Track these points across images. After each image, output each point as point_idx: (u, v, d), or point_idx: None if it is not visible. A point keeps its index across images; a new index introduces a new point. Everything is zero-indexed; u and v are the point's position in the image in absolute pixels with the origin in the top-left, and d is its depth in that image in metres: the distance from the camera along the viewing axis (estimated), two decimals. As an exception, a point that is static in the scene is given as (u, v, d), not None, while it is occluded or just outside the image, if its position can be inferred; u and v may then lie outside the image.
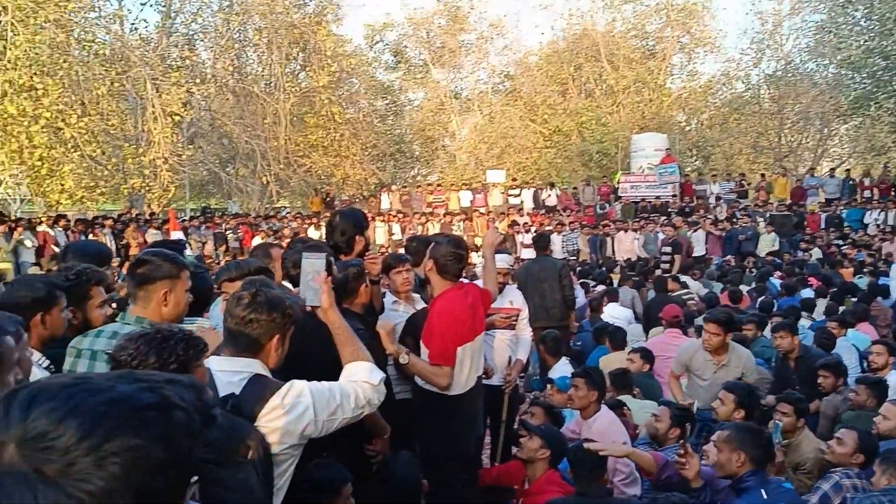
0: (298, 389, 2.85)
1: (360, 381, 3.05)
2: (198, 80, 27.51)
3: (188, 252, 5.85)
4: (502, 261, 6.54)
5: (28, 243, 19.28)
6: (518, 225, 25.12)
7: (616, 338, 8.90)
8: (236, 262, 4.57)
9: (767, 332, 9.02)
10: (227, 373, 2.80)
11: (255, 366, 2.89)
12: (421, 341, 4.84)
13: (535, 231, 24.10)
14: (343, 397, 2.95)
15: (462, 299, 4.90)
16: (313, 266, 3.23)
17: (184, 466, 1.00)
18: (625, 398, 6.86)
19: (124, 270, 4.91)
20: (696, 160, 37.66)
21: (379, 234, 26.04)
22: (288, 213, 30.17)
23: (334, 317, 3.19)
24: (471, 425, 5.10)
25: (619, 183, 28.56)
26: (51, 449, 0.91)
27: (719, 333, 6.62)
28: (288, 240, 22.78)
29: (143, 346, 2.37)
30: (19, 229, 19.22)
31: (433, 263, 4.89)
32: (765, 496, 4.10)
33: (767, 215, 23.65)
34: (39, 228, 20.09)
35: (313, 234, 22.73)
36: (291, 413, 2.78)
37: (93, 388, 0.96)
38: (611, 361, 8.28)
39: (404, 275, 5.61)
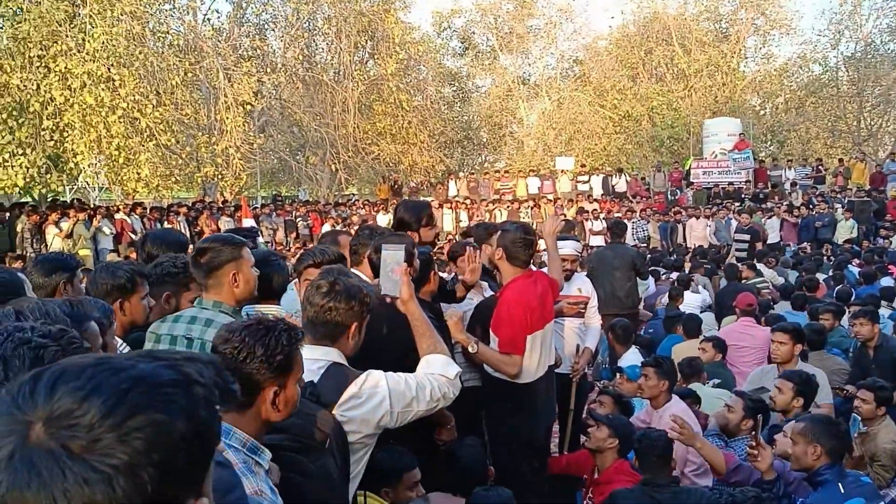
0: (375, 379, 2.90)
1: (437, 375, 3.09)
2: (268, 70, 27.89)
3: (260, 239, 5.97)
4: (570, 248, 6.51)
5: (106, 230, 19.85)
6: (587, 212, 24.97)
7: (690, 326, 8.82)
8: (320, 249, 4.64)
9: (845, 321, 8.80)
10: (307, 360, 2.83)
11: (332, 354, 2.94)
12: (490, 329, 4.85)
13: (604, 218, 23.95)
14: (419, 389, 2.99)
15: (531, 287, 4.90)
16: (393, 257, 3.27)
17: (206, 440, 1.02)
18: (695, 386, 6.79)
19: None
20: (770, 145, 36.83)
21: (446, 221, 26.10)
22: (356, 200, 30.47)
23: (414, 308, 3.23)
24: (541, 414, 5.11)
25: (690, 169, 28.14)
26: (76, 426, 0.94)
27: (787, 342, 6.48)
28: (356, 227, 23.08)
29: (248, 338, 2.30)
30: (98, 217, 19.80)
31: (502, 251, 4.89)
32: (842, 490, 4.01)
33: (845, 201, 23.05)
34: (117, 216, 20.67)
35: (382, 220, 22.89)
36: (368, 403, 2.83)
37: (115, 367, 0.99)
38: (683, 350, 8.19)
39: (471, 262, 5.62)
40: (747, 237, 17.22)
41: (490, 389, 5.00)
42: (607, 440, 5.07)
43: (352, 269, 4.15)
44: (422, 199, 22.62)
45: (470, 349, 4.70)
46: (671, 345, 8.70)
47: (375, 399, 2.86)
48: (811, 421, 4.30)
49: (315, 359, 2.88)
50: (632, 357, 7.79)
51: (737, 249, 16.78)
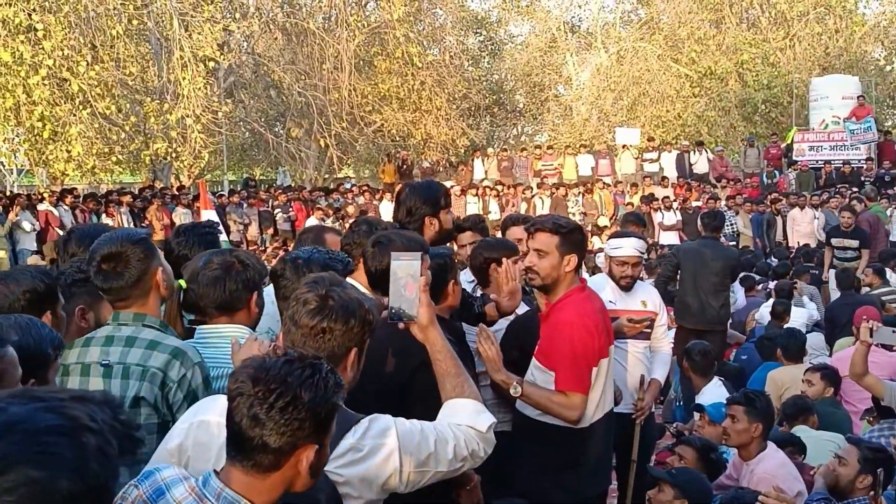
0: (382, 427, 2.88)
1: (464, 426, 3.07)
2: (237, 16, 27.99)
3: (223, 238, 5.86)
4: (630, 247, 6.48)
5: (27, 226, 19.98)
6: (656, 200, 24.93)
7: (790, 346, 8.80)
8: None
9: None
10: None
11: None
12: (537, 361, 4.84)
13: (680, 208, 23.86)
14: (439, 444, 2.96)
15: (589, 304, 4.91)
16: (407, 269, 3.24)
17: (99, 500, 1.00)
18: (800, 430, 6.75)
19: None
20: (900, 111, 36.58)
21: (471, 212, 26.10)
22: (353, 185, 30.55)
23: (436, 337, 3.21)
24: (597, 468, 5.10)
25: (793, 143, 27.97)
26: None
27: None
28: (353, 220, 22.92)
29: (289, 377, 2.31)
30: (16, 208, 19.89)
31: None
32: None
33: None
34: (41, 207, 20.77)
35: (386, 211, 22.92)
36: (371, 458, 2.82)
37: None
38: (782, 379, 8.18)
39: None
40: (854, 244, 15.21)
41: (526, 435, 4.97)
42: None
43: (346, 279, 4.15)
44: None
45: (513, 392, 4.70)
46: (765, 374, 8.65)
47: (381, 453, 2.83)
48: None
49: None
50: (714, 391, 7.79)
51: (837, 259, 15.34)
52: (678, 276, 10.78)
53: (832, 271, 14.37)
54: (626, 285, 6.43)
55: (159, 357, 3.40)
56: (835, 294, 12.59)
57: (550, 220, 4.90)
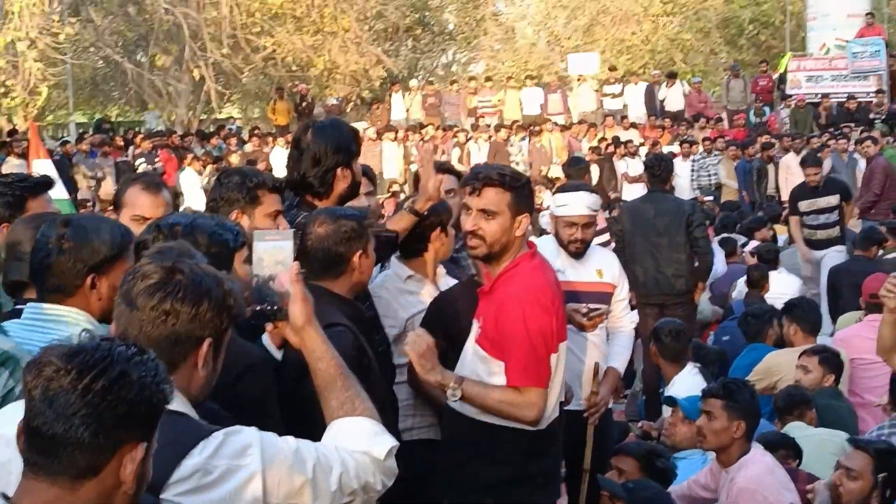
0: (241, 443, 2.77)
1: (358, 452, 3.02)
2: None
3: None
4: (580, 204, 6.48)
5: None
6: (621, 145, 25.06)
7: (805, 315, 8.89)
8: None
9: None
10: None
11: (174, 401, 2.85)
12: (479, 346, 4.83)
13: (650, 153, 23.97)
14: (319, 470, 2.87)
15: (543, 273, 4.93)
16: (274, 254, 3.16)
17: None
18: (794, 428, 6.85)
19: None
20: (918, 31, 37.08)
21: (389, 161, 26.05)
22: (238, 128, 30.29)
23: (314, 340, 3.14)
24: (549, 479, 5.12)
25: (787, 72, 28.27)
26: None
27: None
28: (223, 170, 22.60)
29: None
30: None
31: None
32: None
33: None
34: None
35: (280, 159, 22.74)
36: (224, 483, 2.71)
37: None
38: (776, 365, 8.28)
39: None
40: (831, 202, 13.95)
41: (461, 443, 4.98)
42: None
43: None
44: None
45: (450, 396, 4.68)
46: (753, 360, 8.76)
47: (238, 477, 2.72)
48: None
49: None
50: (688, 381, 7.80)
51: (809, 229, 14.09)
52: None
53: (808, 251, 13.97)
54: (577, 251, 6.42)
55: None
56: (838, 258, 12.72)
57: (497, 172, 4.83)
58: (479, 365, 4.81)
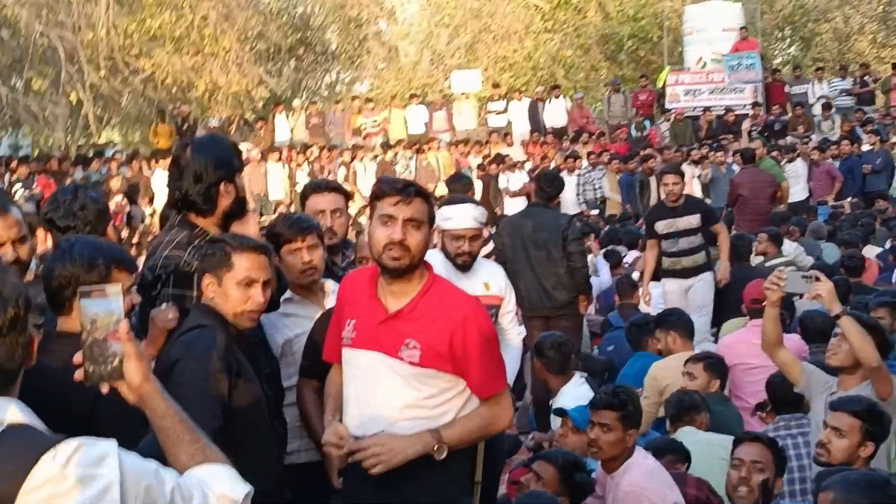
0: (97, 453, 2.69)
1: (217, 492, 2.96)
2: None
3: None
4: (466, 216, 6.51)
5: None
6: (503, 161, 25.19)
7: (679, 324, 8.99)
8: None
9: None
10: None
11: (3, 409, 2.83)
12: (423, 367, 4.67)
13: (539, 169, 24.08)
14: (178, 497, 2.79)
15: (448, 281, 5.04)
16: (105, 312, 3.02)
17: None
18: (685, 433, 6.96)
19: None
20: (789, 45, 37.78)
21: (274, 182, 25.89)
22: (118, 152, 29.89)
23: (155, 399, 2.98)
24: (465, 485, 5.12)
25: (666, 86, 28.65)
26: None
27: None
28: (118, 195, 22.58)
29: None
30: None
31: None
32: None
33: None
34: None
35: (160, 182, 22.49)
36: (79, 491, 2.67)
37: None
38: (664, 372, 8.38)
39: (307, 253, 5.58)
40: (691, 222, 12.50)
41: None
42: None
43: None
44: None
45: (438, 457, 4.57)
46: (640, 368, 8.88)
47: (94, 486, 2.64)
48: (845, 485, 4.41)
49: None
50: (575, 392, 7.85)
51: (669, 257, 12.56)
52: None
53: (665, 285, 12.36)
54: (464, 263, 6.46)
55: None
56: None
57: (416, 184, 4.85)
58: (414, 385, 4.68)
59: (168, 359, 4.47)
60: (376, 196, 4.75)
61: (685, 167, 22.64)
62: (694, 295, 11.96)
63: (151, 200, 24.56)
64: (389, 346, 4.67)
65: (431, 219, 4.77)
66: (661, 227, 12.43)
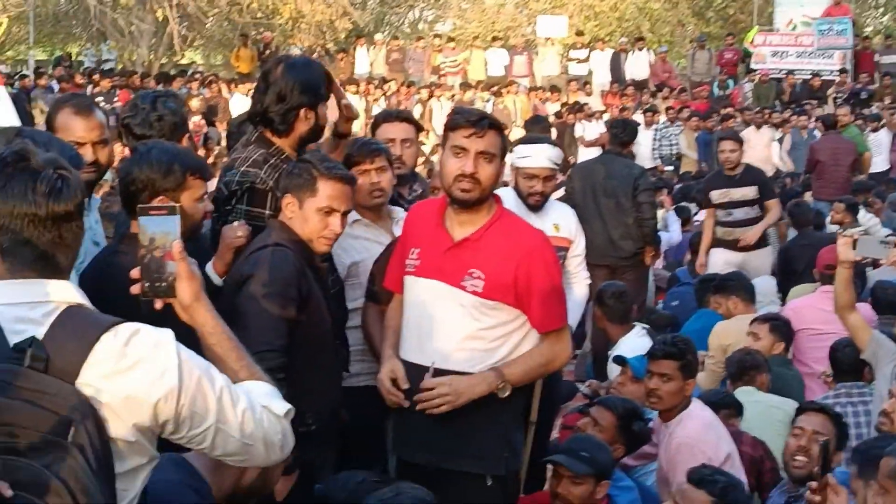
0: (154, 338, 2.79)
1: (259, 403, 3.00)
2: None
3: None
4: (541, 156, 6.48)
5: None
6: (581, 110, 25.03)
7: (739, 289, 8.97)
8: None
9: None
10: (17, 307, 2.75)
11: (63, 289, 2.84)
12: (482, 297, 4.74)
13: (615, 118, 23.91)
14: (226, 396, 2.88)
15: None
16: (159, 231, 3.07)
17: None
18: (744, 392, 6.90)
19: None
20: (882, 13, 37.24)
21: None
22: (198, 73, 30.03)
23: (204, 316, 3.07)
24: (519, 423, 5.19)
25: (752, 46, 28.32)
26: None
27: None
28: (197, 115, 22.65)
29: None
30: None
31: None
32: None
33: None
34: None
35: (239, 107, 22.60)
36: (141, 369, 2.74)
37: None
38: (729, 333, 8.30)
39: (376, 174, 5.58)
40: (747, 193, 11.98)
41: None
42: (583, 486, 5.14)
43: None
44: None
45: (502, 394, 4.69)
46: (703, 325, 8.81)
47: (155, 366, 2.75)
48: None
49: (31, 301, 2.77)
50: (635, 342, 7.78)
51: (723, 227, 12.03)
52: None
53: (714, 255, 11.83)
54: (536, 203, 6.45)
55: None
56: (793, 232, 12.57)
57: (491, 116, 4.88)
58: (475, 316, 4.75)
59: (241, 274, 4.55)
60: (450, 127, 4.79)
61: (765, 130, 22.50)
62: (750, 267, 11.46)
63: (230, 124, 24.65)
64: (453, 276, 4.72)
65: (503, 152, 4.78)
66: (716, 196, 11.98)
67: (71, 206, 2.80)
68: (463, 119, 4.70)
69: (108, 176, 6.61)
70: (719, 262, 11.54)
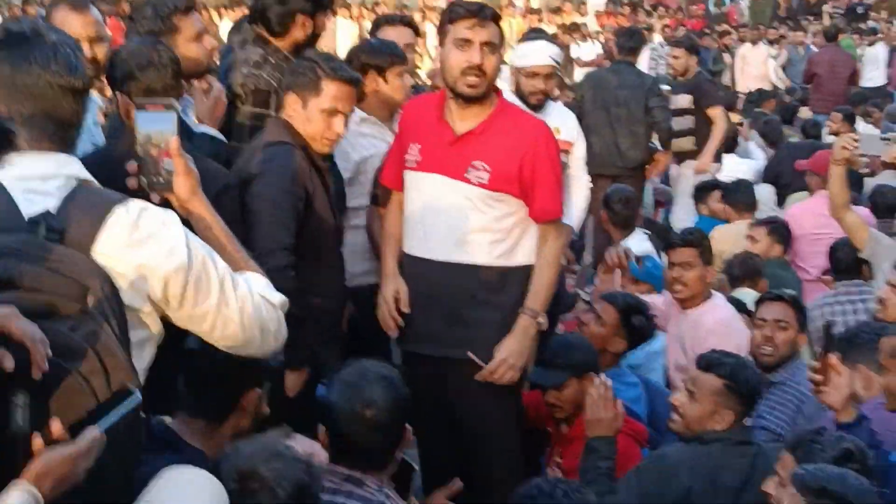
0: (161, 216, 2.87)
1: (256, 290, 3.07)
2: None
3: None
4: (542, 54, 6.47)
5: None
6: (577, 30, 24.98)
7: (738, 197, 9.12)
8: None
9: None
10: (30, 179, 2.79)
11: (76, 166, 2.90)
12: (489, 189, 4.79)
13: (605, 39, 23.85)
14: (228, 276, 2.96)
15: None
16: (158, 126, 3.10)
17: None
18: (741, 294, 6.96)
19: None
20: None
21: (343, 39, 25.73)
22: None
23: (200, 209, 3.14)
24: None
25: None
26: None
27: None
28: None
29: None
30: None
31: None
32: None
33: None
34: None
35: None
36: (152, 243, 2.81)
37: None
38: (727, 237, 8.38)
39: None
40: (684, 101, 11.56)
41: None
42: (568, 389, 5.18)
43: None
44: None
45: (543, 327, 4.89)
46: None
47: (166, 241, 2.83)
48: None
49: (44, 175, 2.81)
50: (638, 246, 7.75)
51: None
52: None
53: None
54: (538, 103, 6.42)
55: None
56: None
57: (490, 8, 4.85)
58: (481, 208, 4.80)
59: (247, 172, 4.56)
60: (450, 19, 4.76)
61: (761, 46, 22.43)
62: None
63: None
64: (457, 169, 4.75)
65: (502, 43, 4.82)
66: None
67: (86, 82, 2.86)
68: (464, 10, 4.69)
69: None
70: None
